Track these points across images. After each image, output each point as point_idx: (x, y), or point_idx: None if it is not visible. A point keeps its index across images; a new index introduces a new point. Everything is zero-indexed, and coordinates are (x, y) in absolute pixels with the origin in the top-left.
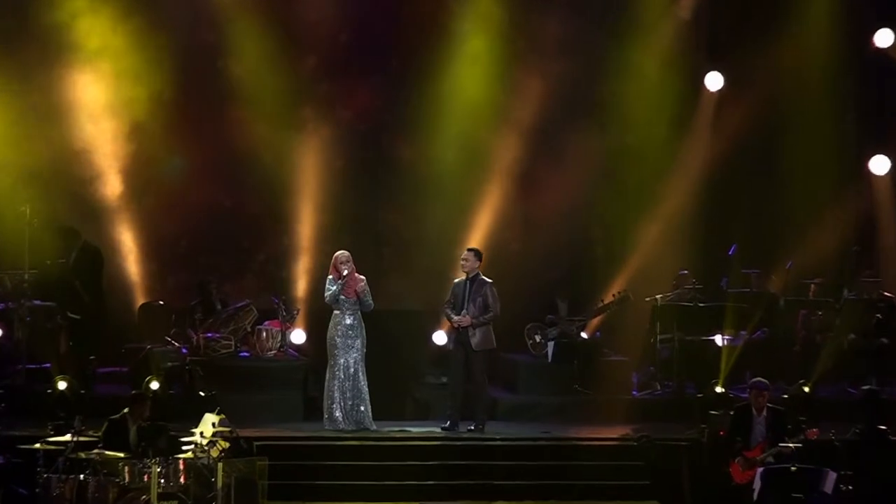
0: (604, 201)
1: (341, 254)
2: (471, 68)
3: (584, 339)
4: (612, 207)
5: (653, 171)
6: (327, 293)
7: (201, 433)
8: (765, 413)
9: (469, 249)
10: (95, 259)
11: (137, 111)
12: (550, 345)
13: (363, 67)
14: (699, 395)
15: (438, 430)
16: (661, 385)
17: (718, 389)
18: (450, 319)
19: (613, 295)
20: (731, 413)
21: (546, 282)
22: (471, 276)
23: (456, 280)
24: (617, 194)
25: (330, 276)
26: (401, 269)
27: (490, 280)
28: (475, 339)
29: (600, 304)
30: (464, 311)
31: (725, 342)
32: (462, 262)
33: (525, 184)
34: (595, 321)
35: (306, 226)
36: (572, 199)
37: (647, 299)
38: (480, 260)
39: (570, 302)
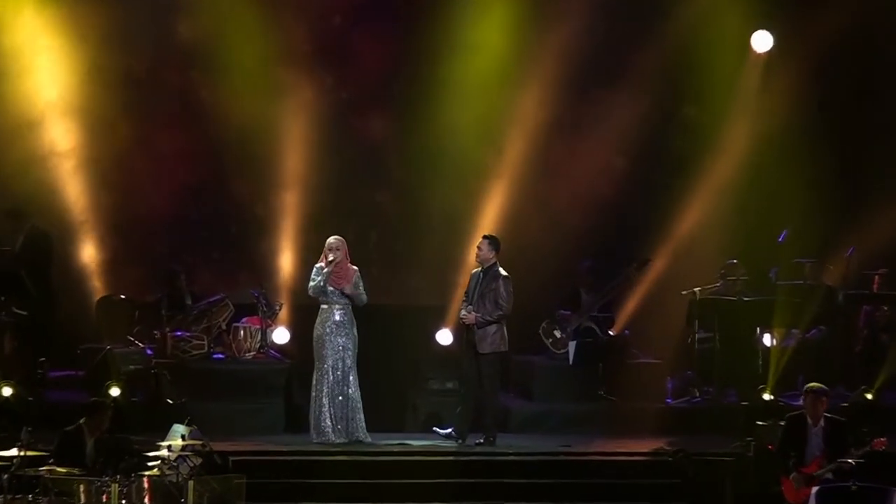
0: (637, 180)
1: (332, 239)
2: (487, 27)
3: (611, 337)
4: (648, 187)
5: (694, 145)
6: (311, 283)
7: (169, 447)
8: (822, 423)
9: (484, 237)
10: (45, 246)
11: (95, 83)
12: (571, 345)
13: (358, 22)
14: (744, 404)
15: (442, 441)
16: (699, 391)
17: (767, 397)
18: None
19: (631, 263)
20: (783, 424)
21: (570, 272)
22: (485, 267)
23: (473, 271)
24: (652, 172)
25: (318, 265)
26: (401, 257)
27: (506, 274)
28: (481, 340)
29: (617, 276)
30: (470, 306)
31: (775, 342)
32: (477, 254)
33: (548, 159)
34: (621, 318)
35: (290, 210)
36: (600, 178)
37: (684, 293)
38: (497, 249)
39: (597, 290)
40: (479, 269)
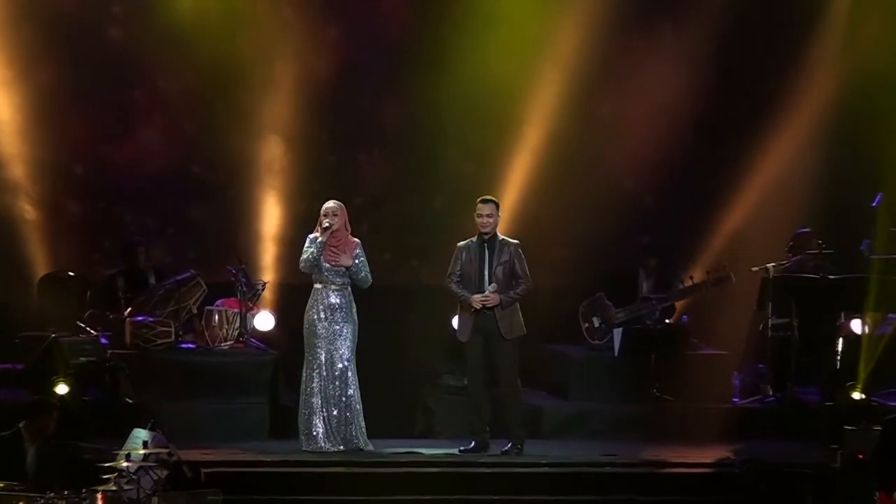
0: (701, 133)
1: (330, 203)
2: None
3: (666, 324)
4: (713, 142)
5: (767, 92)
6: (302, 256)
7: (128, 456)
8: None
9: (487, 200)
10: None
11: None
12: (617, 333)
13: None
14: (829, 404)
15: (458, 452)
16: (773, 389)
17: (856, 396)
18: (462, 300)
19: (708, 272)
20: (878, 429)
21: (618, 250)
22: (487, 236)
23: (460, 244)
24: (719, 125)
25: (312, 235)
26: (410, 230)
27: (516, 241)
28: (504, 323)
29: (688, 283)
30: (487, 285)
31: (867, 329)
32: (482, 220)
33: (589, 109)
34: (680, 304)
35: (276, 171)
36: (654, 131)
37: (755, 269)
38: (498, 214)
39: (658, 278)
40: (472, 240)
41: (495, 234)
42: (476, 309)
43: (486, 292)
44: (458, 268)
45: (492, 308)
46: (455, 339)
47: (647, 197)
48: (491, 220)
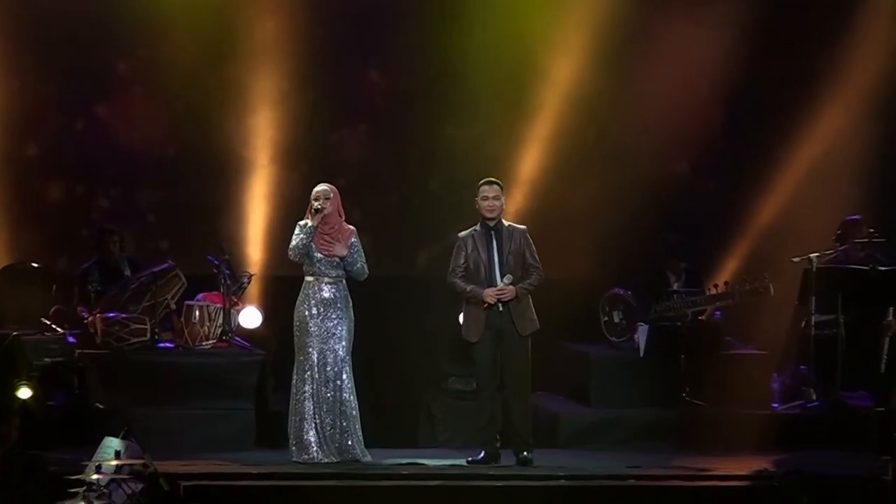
0: (729, 114)
1: (320, 187)
2: None
3: (698, 321)
4: (743, 122)
5: (808, 71)
6: (291, 243)
7: (98, 468)
8: None
9: (492, 182)
10: None
11: None
12: (642, 330)
13: None
14: (879, 410)
15: (465, 462)
16: (816, 393)
17: None
18: (472, 295)
19: (745, 281)
20: None
21: (643, 245)
22: (493, 222)
23: (462, 234)
24: (751, 103)
25: (302, 221)
26: (411, 215)
27: (523, 226)
28: (520, 318)
29: (721, 290)
30: (499, 277)
31: None
32: (488, 203)
33: (615, 84)
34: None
35: (261, 149)
36: (685, 112)
37: (796, 260)
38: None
39: (688, 273)
40: (475, 228)
41: (501, 219)
42: (488, 305)
43: (501, 285)
44: (462, 261)
45: (506, 302)
46: (461, 337)
47: (678, 175)
48: (498, 204)
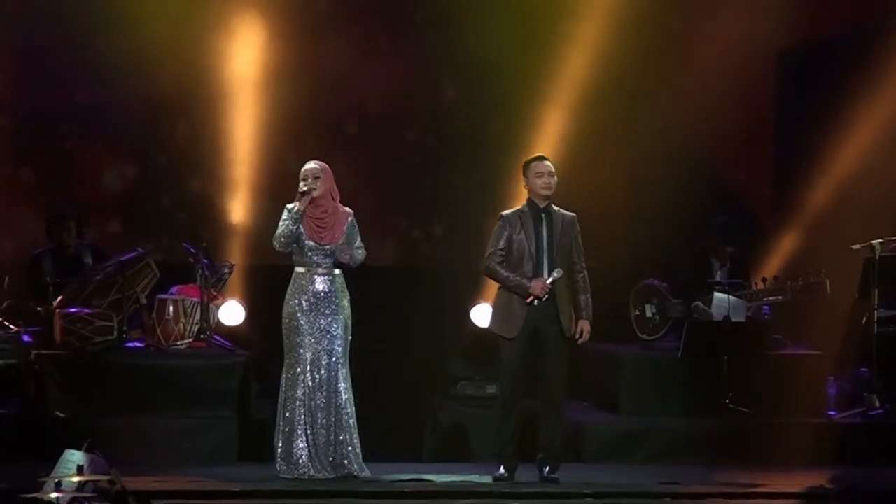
0: (779, 85)
1: (310, 165)
2: None
3: (745, 318)
4: (795, 92)
5: (867, 34)
6: (277, 230)
7: (58, 484)
8: None
9: (543, 158)
10: None
11: None
12: (681, 329)
13: None
14: None
15: (479, 476)
16: (880, 400)
17: None
18: (516, 287)
19: (799, 276)
20: None
21: (689, 230)
22: (545, 203)
23: (506, 213)
24: (804, 71)
25: (290, 205)
26: (417, 199)
27: (573, 213)
28: (566, 317)
29: (770, 285)
30: (546, 270)
31: None
32: (543, 181)
33: (646, 59)
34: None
35: (244, 123)
36: (726, 91)
37: (857, 247)
38: None
39: (734, 261)
40: (523, 208)
41: (550, 203)
42: (532, 299)
43: (550, 280)
44: (503, 244)
45: (550, 299)
46: (474, 335)
47: (723, 155)
48: (553, 181)
